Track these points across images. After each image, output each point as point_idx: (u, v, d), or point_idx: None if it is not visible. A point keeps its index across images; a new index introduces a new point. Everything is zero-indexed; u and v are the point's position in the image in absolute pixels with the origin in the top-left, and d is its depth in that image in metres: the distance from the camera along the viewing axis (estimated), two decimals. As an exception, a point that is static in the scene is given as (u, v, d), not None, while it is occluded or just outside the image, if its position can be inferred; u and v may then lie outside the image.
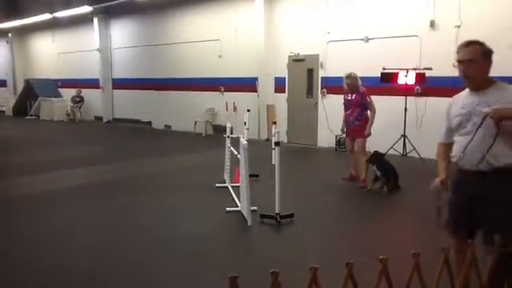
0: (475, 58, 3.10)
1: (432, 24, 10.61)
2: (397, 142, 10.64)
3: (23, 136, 16.45)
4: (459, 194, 3.24)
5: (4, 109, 25.04)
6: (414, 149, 10.47)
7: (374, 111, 8.12)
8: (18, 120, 22.13)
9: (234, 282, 1.67)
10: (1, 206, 7.10)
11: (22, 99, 23.24)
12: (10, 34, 25.42)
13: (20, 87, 24.69)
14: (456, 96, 3.44)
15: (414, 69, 10.42)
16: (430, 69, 10.26)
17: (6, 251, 5.15)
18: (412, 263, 2.20)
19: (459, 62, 3.16)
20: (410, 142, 10.57)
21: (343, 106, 8.49)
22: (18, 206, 7.14)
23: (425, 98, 10.74)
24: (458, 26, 10.10)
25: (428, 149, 10.38)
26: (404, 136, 10.62)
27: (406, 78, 10.36)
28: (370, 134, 8.11)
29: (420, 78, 10.33)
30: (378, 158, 7.83)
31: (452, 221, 3.28)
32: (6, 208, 7.03)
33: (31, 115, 22.49)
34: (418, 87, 10.75)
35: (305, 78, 13.28)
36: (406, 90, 10.54)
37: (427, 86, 10.52)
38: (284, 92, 13.89)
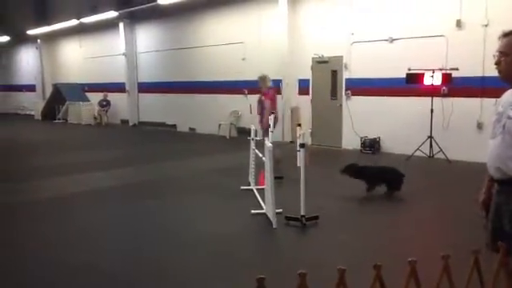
0: (507, 51, 2.78)
1: (458, 23, 10.44)
2: (423, 143, 10.50)
3: (52, 139, 16.83)
4: (492, 203, 2.96)
5: (33, 113, 25.69)
6: (441, 150, 10.31)
7: (266, 110, 9.39)
8: (46, 124, 22.64)
9: (261, 283, 1.67)
10: (28, 208, 7.26)
11: (51, 103, 23.78)
12: (38, 40, 26.08)
13: (48, 92, 25.26)
14: (506, 92, 2.97)
15: (440, 69, 10.28)
16: (456, 69, 10.11)
17: (34, 251, 5.28)
18: (441, 265, 2.17)
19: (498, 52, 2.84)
20: (436, 143, 10.41)
21: None
22: (45, 208, 7.28)
23: (451, 98, 10.59)
24: (486, 25, 9.91)
25: (455, 150, 10.25)
26: (430, 137, 10.47)
27: (432, 79, 10.22)
28: (267, 127, 9.16)
29: (446, 78, 10.19)
30: (349, 169, 7.57)
31: (487, 232, 3.11)
32: (34, 209, 7.18)
33: (59, 119, 23.00)
34: (444, 88, 10.60)
35: (329, 79, 13.22)
36: (432, 91, 10.39)
37: (454, 86, 10.36)
38: (308, 94, 13.86)
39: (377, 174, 7.48)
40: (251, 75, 15.28)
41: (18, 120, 25.57)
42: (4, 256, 5.17)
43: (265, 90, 9.82)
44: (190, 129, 18.03)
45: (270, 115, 9.43)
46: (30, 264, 4.89)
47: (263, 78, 9.94)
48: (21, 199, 7.77)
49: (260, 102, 9.90)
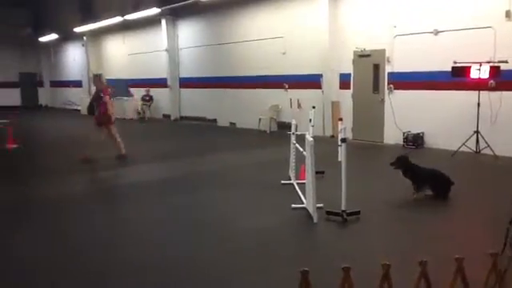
0: None
1: (508, 14, 10.04)
2: (469, 138, 10.19)
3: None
4: None
5: (80, 108, 26.52)
6: (488, 146, 9.98)
7: (109, 104, 10.47)
8: (91, 119, 23.23)
9: (305, 276, 1.69)
10: (68, 200, 7.53)
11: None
12: (84, 37, 26.86)
13: (94, 87, 25.94)
14: None
15: (488, 62, 9.93)
16: (505, 62, 9.75)
17: (60, 246, 5.48)
18: (487, 264, 2.12)
19: None
20: (483, 138, 10.09)
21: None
22: (87, 200, 7.54)
23: (500, 92, 10.22)
24: (537, 16, 9.52)
25: (503, 146, 9.92)
26: (477, 132, 10.15)
27: (479, 72, 9.90)
28: (112, 122, 10.64)
29: (494, 71, 9.83)
30: (402, 162, 7.06)
31: None
32: (75, 202, 7.44)
33: (104, 114, 23.60)
34: (492, 81, 10.23)
35: (371, 73, 13.02)
36: (479, 85, 10.07)
37: (502, 79, 10.00)
38: (349, 88, 13.69)
39: (426, 176, 6.98)
40: (291, 70, 15.31)
41: (65, 115, 26.49)
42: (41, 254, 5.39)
43: (103, 86, 10.59)
44: (231, 123, 18.17)
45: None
46: (54, 255, 5.07)
47: (100, 76, 10.81)
48: (65, 191, 8.06)
49: (98, 99, 10.60)
